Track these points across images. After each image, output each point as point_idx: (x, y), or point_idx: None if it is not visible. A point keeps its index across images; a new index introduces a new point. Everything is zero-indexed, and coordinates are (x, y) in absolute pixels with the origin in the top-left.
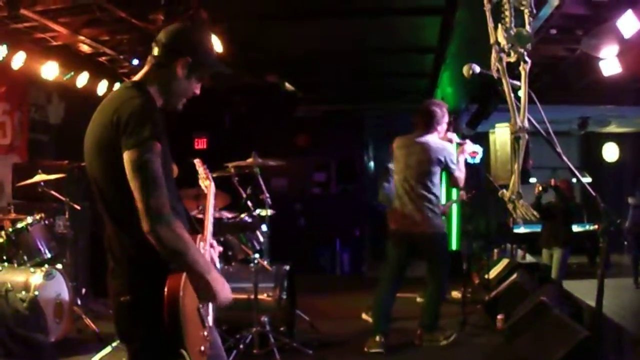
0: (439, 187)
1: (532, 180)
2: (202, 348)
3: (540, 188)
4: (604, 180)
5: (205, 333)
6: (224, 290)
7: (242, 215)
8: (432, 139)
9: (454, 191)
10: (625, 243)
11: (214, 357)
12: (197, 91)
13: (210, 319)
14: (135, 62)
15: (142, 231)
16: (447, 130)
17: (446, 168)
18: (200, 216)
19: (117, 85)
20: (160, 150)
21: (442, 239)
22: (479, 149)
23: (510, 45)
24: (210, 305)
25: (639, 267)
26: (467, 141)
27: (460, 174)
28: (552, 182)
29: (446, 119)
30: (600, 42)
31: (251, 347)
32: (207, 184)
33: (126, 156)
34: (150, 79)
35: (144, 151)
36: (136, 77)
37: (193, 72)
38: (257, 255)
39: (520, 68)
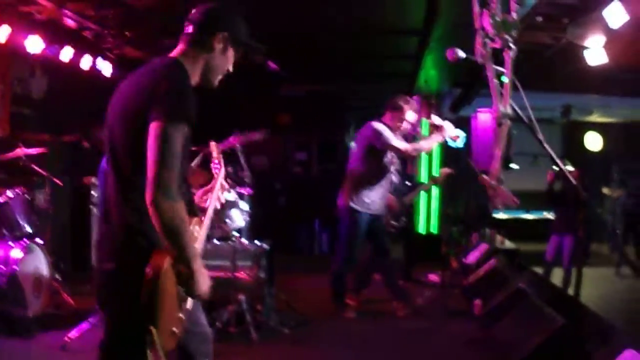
0: (375, 171)
1: (514, 166)
2: (175, 329)
3: (553, 175)
4: (586, 169)
5: (181, 315)
6: (204, 283)
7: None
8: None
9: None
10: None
11: (198, 334)
12: (232, 67)
13: (189, 302)
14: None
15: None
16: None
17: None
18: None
19: (100, 60)
20: (186, 134)
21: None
22: (461, 133)
23: (496, 31)
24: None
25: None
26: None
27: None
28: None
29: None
30: (586, 32)
31: (227, 325)
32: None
33: (153, 125)
34: (187, 56)
35: (172, 127)
36: (172, 54)
37: (229, 48)
38: (235, 234)
39: (505, 54)
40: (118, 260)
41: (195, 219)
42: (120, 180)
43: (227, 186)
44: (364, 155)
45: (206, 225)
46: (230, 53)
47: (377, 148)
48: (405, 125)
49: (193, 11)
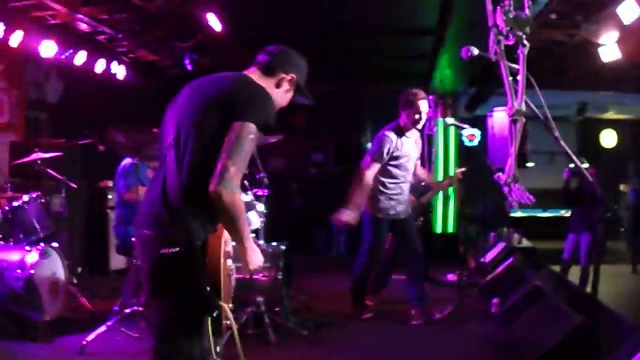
0: (388, 176)
1: (530, 164)
2: (230, 306)
3: (569, 173)
4: (601, 166)
5: (231, 295)
6: (258, 258)
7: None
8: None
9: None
10: (622, 230)
11: None
12: (285, 105)
13: (233, 280)
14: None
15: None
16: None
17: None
18: None
19: (115, 64)
20: (258, 138)
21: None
22: (476, 132)
23: (509, 28)
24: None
25: (638, 255)
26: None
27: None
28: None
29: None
30: (599, 28)
31: (245, 327)
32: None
33: (237, 124)
34: (258, 79)
35: (252, 130)
36: (246, 72)
37: (292, 90)
38: (253, 235)
39: (519, 51)
40: (181, 244)
41: None
42: (183, 168)
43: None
44: None
45: None
46: (290, 94)
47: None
48: (423, 117)
49: (273, 46)
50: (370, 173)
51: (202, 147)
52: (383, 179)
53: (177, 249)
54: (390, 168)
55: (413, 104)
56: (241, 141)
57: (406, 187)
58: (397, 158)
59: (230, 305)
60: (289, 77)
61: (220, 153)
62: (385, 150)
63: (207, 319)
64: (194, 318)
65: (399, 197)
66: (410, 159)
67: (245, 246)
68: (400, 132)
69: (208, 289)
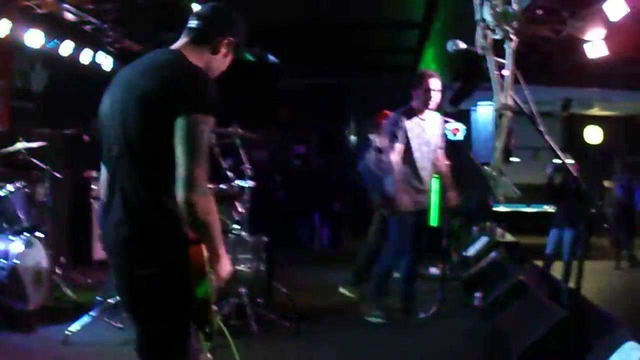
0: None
1: (514, 159)
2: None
3: (552, 168)
4: (586, 162)
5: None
6: (227, 266)
7: (222, 186)
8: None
9: None
10: (606, 226)
11: None
12: (226, 69)
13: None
14: None
15: (168, 191)
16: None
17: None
18: None
19: (101, 55)
20: (212, 125)
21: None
22: (461, 126)
23: (496, 22)
24: None
25: (621, 251)
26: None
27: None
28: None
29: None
30: (586, 25)
31: (228, 318)
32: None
33: (181, 121)
34: (190, 51)
35: (201, 122)
36: (176, 47)
37: (231, 51)
38: (235, 226)
39: (506, 46)
40: (159, 262)
41: None
42: (141, 177)
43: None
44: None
45: None
46: (230, 57)
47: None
48: (434, 96)
49: (202, 7)
50: (396, 157)
51: (155, 154)
52: (402, 168)
53: (153, 270)
54: (405, 154)
55: (422, 82)
56: (194, 137)
57: (426, 175)
58: (410, 146)
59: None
60: (226, 41)
61: (177, 157)
62: (396, 130)
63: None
64: (179, 337)
65: (418, 186)
66: (428, 144)
67: (219, 254)
68: (412, 114)
69: (196, 303)
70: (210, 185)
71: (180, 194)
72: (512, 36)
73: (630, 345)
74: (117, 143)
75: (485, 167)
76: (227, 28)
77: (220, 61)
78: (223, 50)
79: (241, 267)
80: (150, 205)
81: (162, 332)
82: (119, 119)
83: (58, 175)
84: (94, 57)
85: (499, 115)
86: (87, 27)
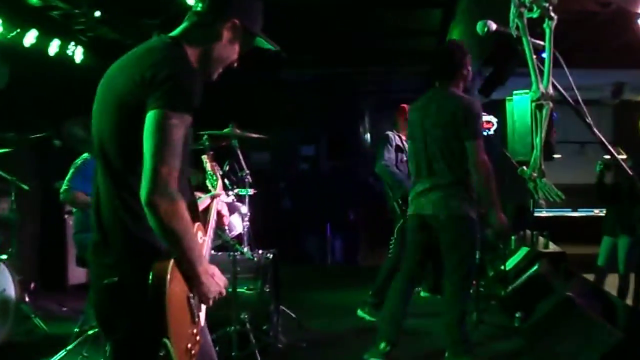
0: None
1: (557, 156)
2: (190, 346)
3: (603, 165)
4: None
5: (195, 331)
6: (214, 285)
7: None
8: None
9: None
10: None
11: (202, 355)
12: (237, 61)
13: (202, 316)
14: None
15: None
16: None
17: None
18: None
19: (71, 45)
20: (188, 124)
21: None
22: (493, 119)
23: None
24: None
25: None
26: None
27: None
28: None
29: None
30: None
31: (229, 348)
32: (214, 182)
33: (150, 115)
34: (190, 38)
35: (172, 116)
36: (174, 34)
37: (238, 38)
38: (235, 242)
39: (545, 25)
40: (121, 272)
41: (197, 224)
42: (112, 179)
43: (226, 198)
44: None
45: (210, 235)
46: (237, 45)
47: None
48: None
49: None
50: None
51: (129, 157)
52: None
53: (115, 278)
54: None
55: (466, 54)
56: (163, 132)
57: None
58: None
59: (189, 345)
60: (229, 24)
61: (144, 154)
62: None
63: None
64: (146, 356)
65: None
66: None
67: (198, 272)
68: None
69: (149, 323)
70: (199, 194)
71: (142, 195)
72: (552, 14)
73: None
74: (98, 147)
75: (524, 168)
76: (231, 9)
77: (226, 49)
78: (227, 35)
79: (243, 289)
80: (116, 212)
81: (129, 350)
82: (97, 117)
83: (25, 187)
84: (63, 47)
85: (537, 107)
86: (55, 13)
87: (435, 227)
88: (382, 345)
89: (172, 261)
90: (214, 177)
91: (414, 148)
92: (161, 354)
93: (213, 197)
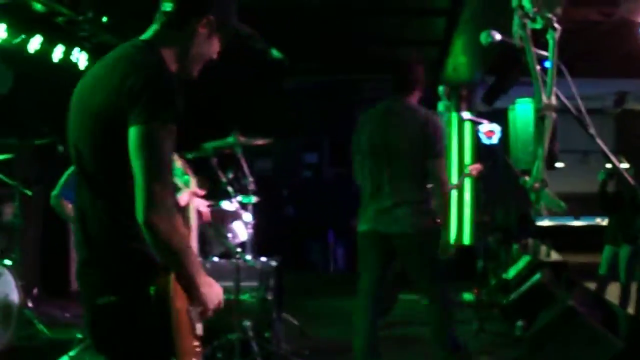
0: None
1: (559, 164)
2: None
3: (605, 174)
4: None
5: (196, 343)
6: (214, 294)
7: (221, 203)
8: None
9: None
10: None
11: None
12: (216, 55)
13: (200, 327)
14: None
15: (134, 215)
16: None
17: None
18: None
19: (76, 51)
20: (174, 133)
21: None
22: (496, 127)
23: (537, 9)
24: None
25: None
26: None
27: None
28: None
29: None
30: None
31: (231, 356)
32: (186, 180)
33: (134, 131)
34: (163, 40)
35: (157, 129)
36: (145, 36)
37: (214, 33)
38: (238, 249)
39: (548, 36)
40: (118, 290)
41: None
42: (95, 194)
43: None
44: None
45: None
46: (216, 39)
47: None
48: None
49: None
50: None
51: (107, 168)
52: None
53: (114, 298)
54: None
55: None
56: (151, 148)
57: None
58: None
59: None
60: (204, 21)
61: (135, 173)
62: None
63: None
64: None
65: None
66: None
67: (198, 285)
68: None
69: (154, 343)
70: (206, 203)
71: (139, 216)
72: (555, 24)
73: None
74: (76, 161)
75: (526, 178)
76: (204, 6)
77: (202, 46)
78: (203, 31)
79: (245, 297)
80: (105, 228)
81: None
82: (73, 132)
83: (28, 192)
84: (67, 53)
85: (541, 118)
86: (59, 19)
87: (397, 245)
88: None
89: (171, 276)
90: (186, 176)
91: (373, 162)
92: None
93: (192, 195)
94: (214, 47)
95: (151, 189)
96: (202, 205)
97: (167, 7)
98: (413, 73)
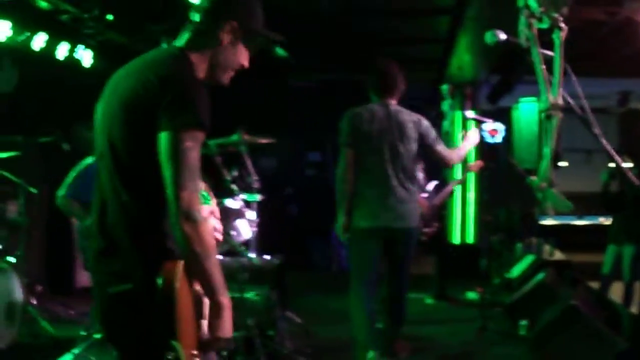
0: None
1: (563, 163)
2: (195, 353)
3: (608, 174)
4: None
5: (199, 341)
6: (228, 324)
7: (225, 201)
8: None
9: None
10: None
11: None
12: (246, 62)
13: (205, 324)
14: None
15: (161, 204)
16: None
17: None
18: None
19: (80, 48)
20: (202, 140)
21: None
22: (500, 126)
23: (543, 9)
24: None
25: None
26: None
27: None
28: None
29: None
30: None
31: (235, 354)
32: (206, 197)
33: (165, 137)
34: (194, 47)
35: (186, 138)
36: (179, 44)
37: (240, 39)
38: (242, 247)
39: (554, 35)
40: (131, 279)
41: None
42: (122, 180)
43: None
44: None
45: None
46: (242, 46)
47: None
48: None
49: None
50: None
51: (141, 165)
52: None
53: (130, 285)
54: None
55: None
56: (180, 157)
57: None
58: None
59: (194, 352)
60: (227, 27)
61: (165, 179)
62: None
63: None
64: None
65: None
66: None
67: (219, 300)
68: None
69: (158, 328)
70: (220, 227)
71: (173, 223)
72: (561, 24)
73: None
74: (103, 144)
75: (532, 177)
76: (227, 12)
77: (228, 53)
78: (227, 38)
79: (249, 295)
80: (134, 214)
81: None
82: (104, 121)
83: (33, 190)
84: (71, 51)
85: (547, 117)
86: (64, 17)
87: (395, 240)
88: (371, 354)
89: (181, 263)
90: (205, 193)
91: (375, 160)
92: (169, 357)
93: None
94: (241, 54)
95: (178, 197)
96: (217, 225)
97: (195, 17)
98: (398, 77)
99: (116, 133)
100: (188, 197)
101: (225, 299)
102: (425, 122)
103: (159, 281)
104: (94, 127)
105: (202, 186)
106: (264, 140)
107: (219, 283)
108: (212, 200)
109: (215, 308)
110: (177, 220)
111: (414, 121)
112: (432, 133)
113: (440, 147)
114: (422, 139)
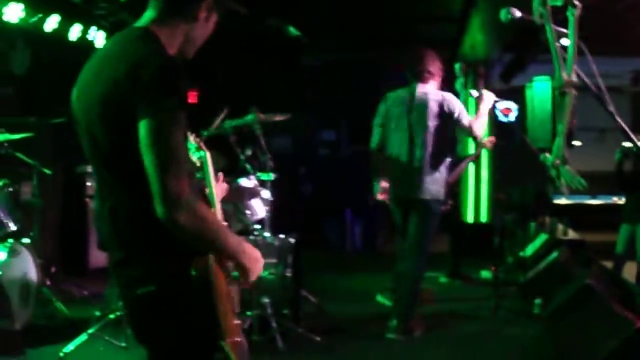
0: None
1: (576, 142)
2: (238, 339)
3: (622, 153)
4: None
5: (237, 321)
6: (256, 262)
7: (240, 180)
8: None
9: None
10: None
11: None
12: (209, 33)
13: (236, 304)
14: None
15: None
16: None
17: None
18: None
19: (93, 30)
20: (184, 121)
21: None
22: (513, 105)
23: None
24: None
25: None
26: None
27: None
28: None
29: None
30: None
31: (250, 333)
32: (202, 156)
33: (143, 125)
34: (162, 25)
35: (166, 122)
36: (143, 23)
37: (213, 12)
38: (256, 226)
39: (568, 13)
40: (158, 279)
41: (212, 211)
42: (126, 186)
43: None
44: None
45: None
46: (213, 19)
47: None
48: None
49: None
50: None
51: (132, 160)
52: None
53: (153, 287)
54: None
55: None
56: (162, 142)
57: None
58: None
59: (237, 338)
60: (204, 6)
61: (147, 169)
62: None
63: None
64: None
65: None
66: None
67: (240, 257)
68: None
69: (201, 329)
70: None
71: (160, 214)
72: (575, 1)
73: None
74: (92, 145)
75: (546, 155)
76: None
77: (202, 28)
78: (203, 15)
79: (264, 274)
80: (139, 217)
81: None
82: (85, 124)
83: (47, 171)
84: (84, 32)
85: (561, 94)
86: None
87: (411, 209)
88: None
89: (210, 257)
90: (202, 151)
91: (398, 137)
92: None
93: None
94: (211, 27)
95: (165, 185)
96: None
97: None
98: (426, 63)
99: (101, 132)
100: (176, 183)
101: (242, 249)
102: (449, 100)
103: (194, 275)
104: (79, 124)
105: (192, 138)
106: (278, 118)
107: (234, 245)
108: (207, 153)
109: (242, 269)
110: (169, 213)
111: (437, 100)
112: (456, 109)
113: (465, 121)
114: (447, 116)
